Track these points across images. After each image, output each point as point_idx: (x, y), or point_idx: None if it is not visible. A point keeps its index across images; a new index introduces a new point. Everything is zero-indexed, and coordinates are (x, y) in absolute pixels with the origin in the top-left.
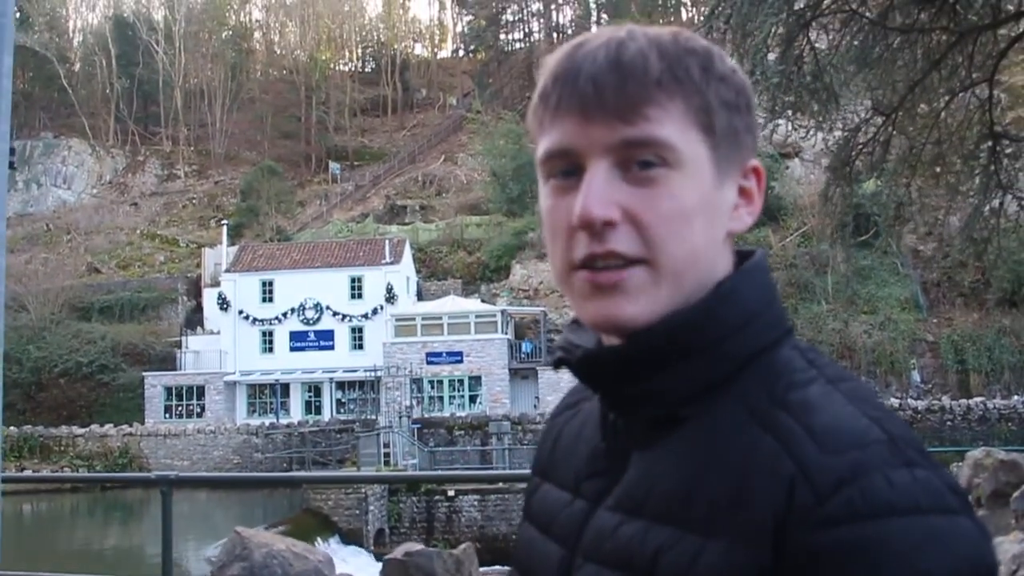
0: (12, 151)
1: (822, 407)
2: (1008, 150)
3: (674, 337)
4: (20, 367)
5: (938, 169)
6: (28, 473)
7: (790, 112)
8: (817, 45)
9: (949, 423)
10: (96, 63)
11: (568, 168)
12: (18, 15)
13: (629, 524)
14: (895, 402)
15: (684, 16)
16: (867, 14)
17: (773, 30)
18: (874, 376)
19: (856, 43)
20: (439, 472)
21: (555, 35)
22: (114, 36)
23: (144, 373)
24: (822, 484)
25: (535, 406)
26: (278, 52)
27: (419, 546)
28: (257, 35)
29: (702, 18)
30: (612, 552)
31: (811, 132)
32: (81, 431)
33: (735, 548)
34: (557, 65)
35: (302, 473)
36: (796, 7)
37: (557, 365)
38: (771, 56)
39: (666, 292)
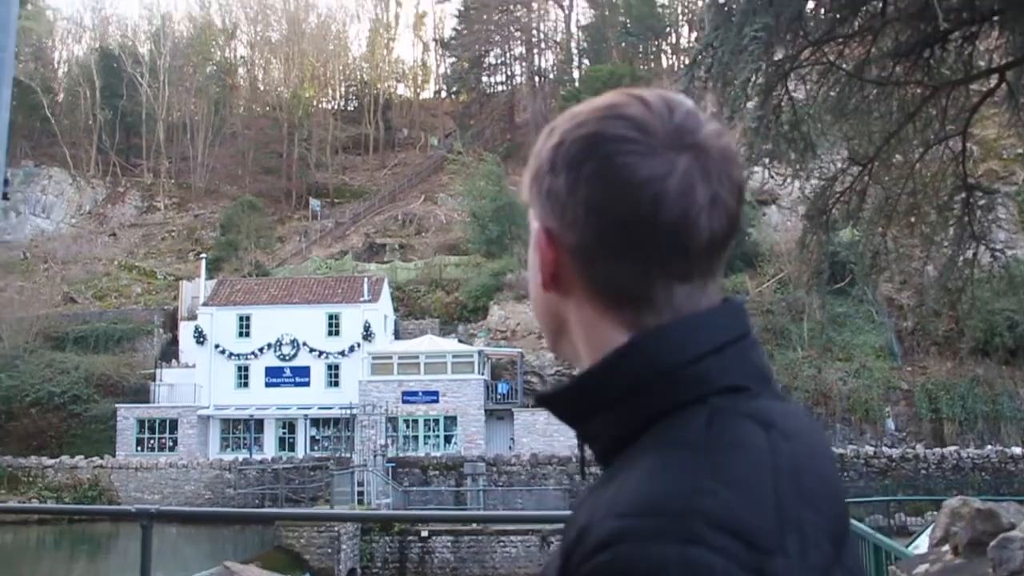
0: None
1: (659, 470)
2: (981, 202)
3: (582, 389)
4: None
5: (913, 219)
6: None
7: (767, 160)
8: (795, 95)
9: (923, 471)
10: (80, 94)
11: None
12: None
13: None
14: (870, 450)
15: (664, 63)
16: (844, 66)
17: (753, 79)
18: (849, 423)
19: (833, 94)
20: (414, 512)
21: (536, 79)
22: (99, 68)
23: (117, 405)
24: (589, 543)
25: (510, 447)
26: (262, 88)
27: None
28: (241, 71)
29: (683, 66)
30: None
31: (788, 180)
32: (51, 462)
33: None
34: None
35: (281, 509)
36: (775, 58)
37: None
38: (750, 104)
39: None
